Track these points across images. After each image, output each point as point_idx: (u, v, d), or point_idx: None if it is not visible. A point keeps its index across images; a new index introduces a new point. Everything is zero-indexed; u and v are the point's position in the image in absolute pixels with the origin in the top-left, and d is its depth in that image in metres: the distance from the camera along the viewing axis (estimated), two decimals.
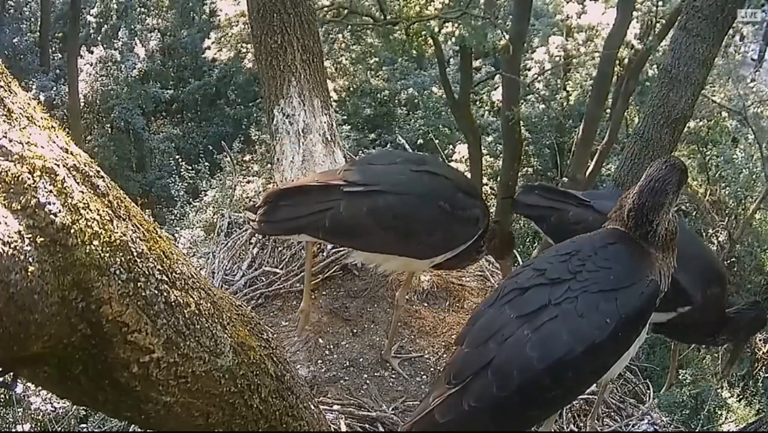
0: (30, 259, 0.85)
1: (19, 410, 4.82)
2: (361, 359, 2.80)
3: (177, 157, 11.27)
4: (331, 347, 2.86)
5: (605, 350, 1.66)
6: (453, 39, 9.87)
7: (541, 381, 1.61)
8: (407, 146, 5.52)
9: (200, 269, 3.48)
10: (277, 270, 3.23)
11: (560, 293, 1.66)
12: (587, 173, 8.97)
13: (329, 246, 3.12)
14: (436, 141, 10.47)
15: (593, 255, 1.73)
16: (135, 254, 1.03)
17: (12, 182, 0.85)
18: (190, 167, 10.09)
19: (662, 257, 1.75)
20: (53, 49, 15.26)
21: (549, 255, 1.86)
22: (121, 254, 1.00)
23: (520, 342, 1.62)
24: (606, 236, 1.83)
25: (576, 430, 2.62)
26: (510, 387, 1.61)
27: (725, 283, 2.39)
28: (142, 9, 15.27)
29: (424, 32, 9.39)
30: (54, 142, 0.94)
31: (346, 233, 2.41)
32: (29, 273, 0.85)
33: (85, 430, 4.99)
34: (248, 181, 8.97)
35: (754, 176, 9.24)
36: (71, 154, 0.97)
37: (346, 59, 12.02)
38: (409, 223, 2.37)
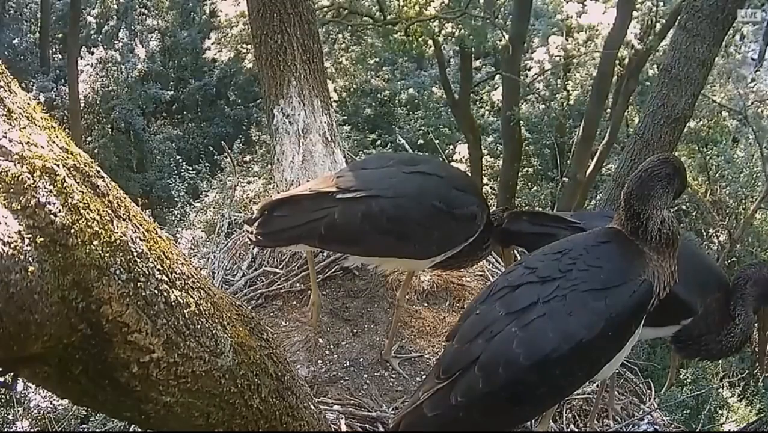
0: (30, 259, 0.85)
1: (19, 409, 4.83)
2: (361, 359, 2.80)
3: (177, 157, 11.27)
4: (331, 347, 2.86)
5: (594, 349, 1.65)
6: (453, 39, 9.88)
7: (526, 378, 1.62)
8: (407, 146, 5.53)
9: (200, 269, 3.48)
10: (277, 270, 3.23)
11: (550, 291, 1.66)
12: (587, 173, 8.98)
13: None
14: (437, 141, 10.47)
15: (584, 254, 1.72)
16: (135, 254, 1.03)
17: (12, 182, 0.85)
18: (190, 168, 10.10)
19: (657, 258, 1.73)
20: (53, 49, 15.29)
21: (541, 253, 1.86)
22: (121, 254, 1.00)
23: (508, 339, 1.62)
24: (600, 235, 1.83)
25: (576, 430, 2.61)
26: (496, 383, 1.62)
27: (726, 286, 2.30)
28: (143, 10, 15.28)
29: (424, 33, 9.39)
30: (54, 142, 0.94)
31: (343, 239, 2.40)
32: (29, 273, 0.85)
33: (85, 430, 4.99)
34: (249, 182, 8.97)
35: (754, 176, 9.24)
36: (71, 154, 0.97)
37: (346, 59, 12.03)
38: (404, 225, 2.37)
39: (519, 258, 3.08)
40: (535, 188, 11.75)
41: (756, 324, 2.36)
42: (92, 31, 14.91)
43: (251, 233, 2.41)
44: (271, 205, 2.42)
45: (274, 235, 2.40)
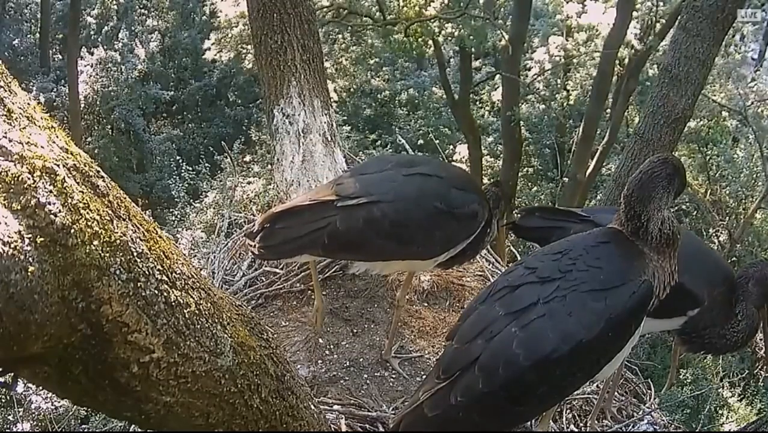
0: (30, 259, 0.85)
1: (20, 410, 4.82)
2: (361, 359, 2.80)
3: (177, 158, 11.25)
4: (331, 347, 2.86)
5: (593, 350, 1.65)
6: (453, 40, 9.89)
7: (526, 378, 1.62)
8: (407, 147, 5.52)
9: (200, 269, 3.49)
10: (277, 270, 3.23)
11: (549, 292, 1.66)
12: (587, 173, 8.99)
13: None
14: (437, 141, 10.47)
15: (584, 254, 1.72)
16: (135, 254, 1.03)
17: (12, 182, 0.85)
18: (190, 168, 10.08)
19: (657, 258, 1.73)
20: (53, 50, 15.29)
21: (541, 254, 1.86)
22: (121, 254, 1.00)
23: (507, 339, 1.63)
24: (600, 235, 1.83)
25: (576, 430, 2.61)
26: (495, 383, 1.62)
27: (732, 281, 2.31)
28: (143, 10, 15.29)
29: (424, 33, 9.40)
30: (54, 142, 0.95)
31: (346, 247, 2.40)
32: (29, 273, 0.85)
33: (85, 430, 4.99)
34: (249, 182, 8.97)
35: (754, 176, 9.23)
36: (71, 154, 0.97)
37: (346, 60, 12.04)
38: (406, 228, 2.37)
39: (519, 257, 3.08)
40: (535, 188, 11.75)
41: (759, 321, 2.35)
42: (92, 32, 14.91)
43: (254, 246, 2.40)
44: (272, 218, 2.41)
45: (277, 247, 2.39)
